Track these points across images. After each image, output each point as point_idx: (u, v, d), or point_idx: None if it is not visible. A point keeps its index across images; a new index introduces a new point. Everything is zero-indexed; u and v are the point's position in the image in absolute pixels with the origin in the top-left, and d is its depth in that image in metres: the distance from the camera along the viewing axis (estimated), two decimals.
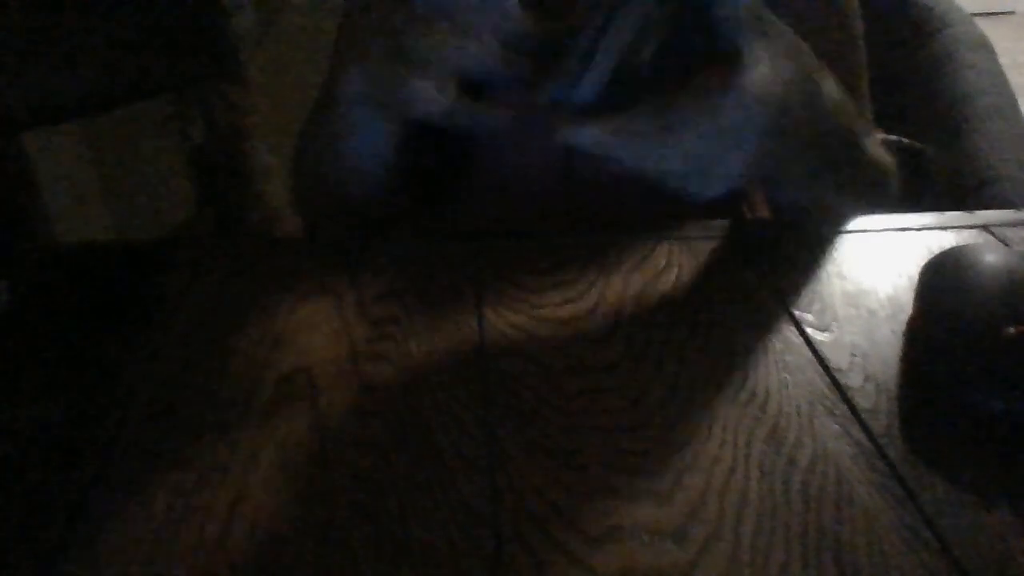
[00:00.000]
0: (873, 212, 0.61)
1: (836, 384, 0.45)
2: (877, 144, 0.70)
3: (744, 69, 0.50)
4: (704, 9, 0.50)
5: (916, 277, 0.50)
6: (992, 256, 0.48)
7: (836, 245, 0.58)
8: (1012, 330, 0.43)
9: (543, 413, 0.44)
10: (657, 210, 0.61)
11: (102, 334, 0.52)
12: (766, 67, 0.50)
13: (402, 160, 0.62)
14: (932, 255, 0.50)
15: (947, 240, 0.58)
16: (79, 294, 0.57)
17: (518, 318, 0.51)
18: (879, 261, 0.56)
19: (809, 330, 0.49)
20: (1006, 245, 0.57)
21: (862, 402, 0.44)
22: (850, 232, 0.60)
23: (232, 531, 0.38)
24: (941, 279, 0.48)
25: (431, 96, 0.51)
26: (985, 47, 0.95)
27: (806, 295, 0.53)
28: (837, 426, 0.42)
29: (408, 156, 0.62)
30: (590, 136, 0.49)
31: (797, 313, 0.51)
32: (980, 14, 1.11)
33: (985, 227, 0.60)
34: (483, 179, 0.71)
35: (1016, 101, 0.91)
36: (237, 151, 1.41)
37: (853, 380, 0.45)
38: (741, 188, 0.51)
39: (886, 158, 0.69)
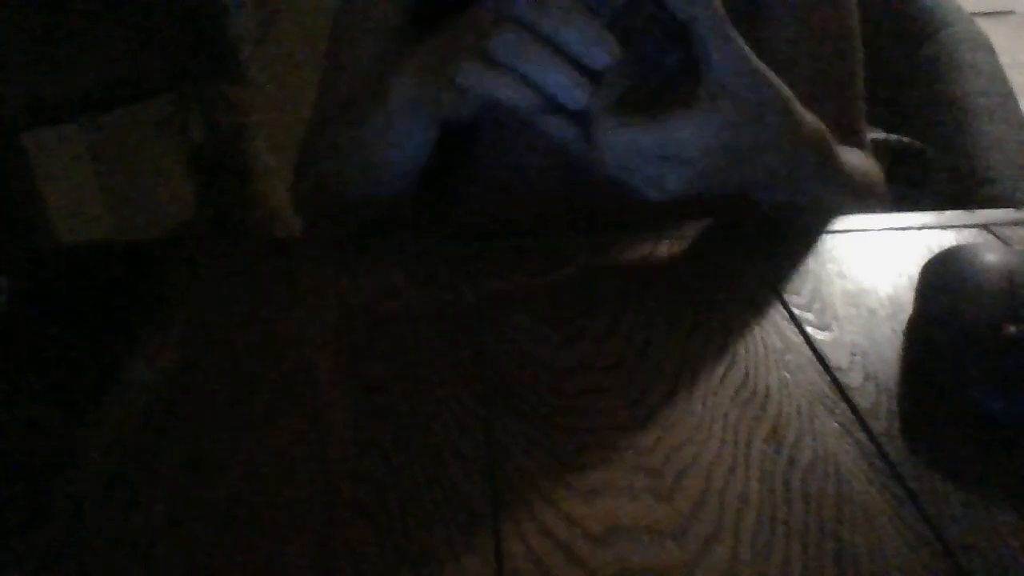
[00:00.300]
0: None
1: (836, 383, 0.45)
2: (860, 155, 0.70)
3: (703, 95, 0.51)
4: (678, 24, 0.50)
5: (916, 277, 0.50)
6: (992, 256, 0.48)
7: (836, 245, 0.58)
8: (1012, 330, 0.43)
9: (543, 413, 0.44)
10: (657, 210, 0.61)
11: (102, 334, 0.52)
12: (725, 94, 0.51)
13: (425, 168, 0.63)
14: (932, 255, 0.50)
15: (947, 240, 0.58)
16: (79, 294, 0.57)
17: (518, 318, 0.51)
18: (879, 261, 0.56)
19: (809, 329, 0.49)
20: (1006, 244, 0.57)
21: (862, 402, 0.44)
22: (850, 232, 0.60)
23: (232, 531, 0.38)
24: (941, 279, 0.48)
25: (470, 69, 0.51)
26: (985, 47, 0.95)
27: (806, 295, 0.53)
28: (837, 426, 0.42)
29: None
30: (556, 125, 0.51)
31: (797, 312, 0.51)
32: (980, 14, 1.11)
33: (985, 227, 0.60)
34: (484, 180, 0.71)
35: (1016, 101, 0.91)
36: (237, 151, 1.41)
37: (853, 379, 0.45)
38: (686, 197, 0.53)
39: (871, 169, 0.69)
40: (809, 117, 0.57)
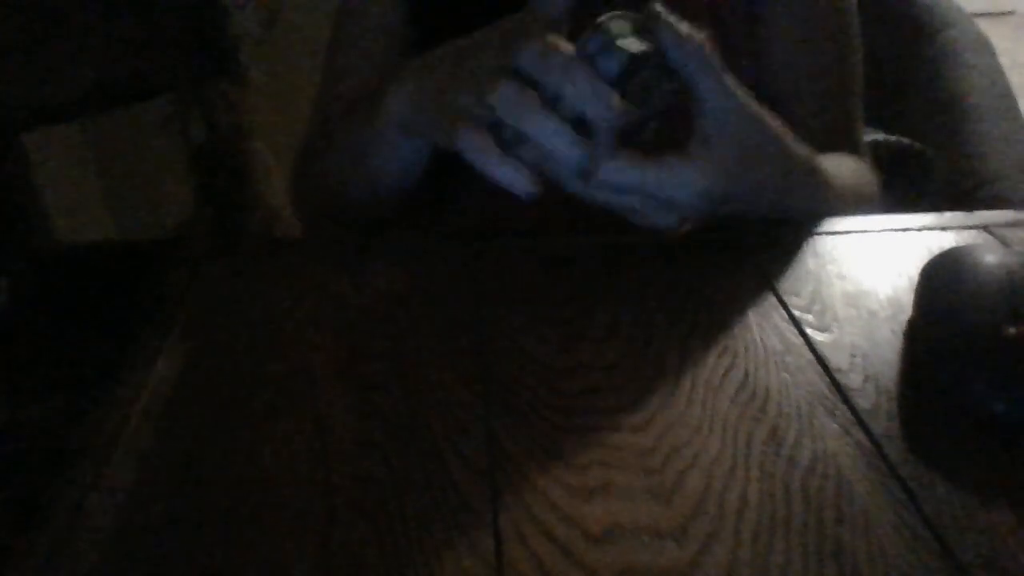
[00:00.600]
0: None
1: (836, 384, 0.45)
2: (854, 162, 0.70)
3: (696, 140, 0.51)
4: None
5: (916, 277, 0.50)
6: (992, 256, 0.48)
7: (836, 246, 0.58)
8: (1012, 330, 0.43)
9: (543, 413, 0.44)
10: None
11: (102, 334, 0.52)
12: (718, 139, 0.51)
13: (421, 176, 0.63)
14: (932, 255, 0.50)
15: (947, 240, 0.58)
16: (79, 294, 0.57)
17: (518, 318, 0.51)
18: (879, 261, 0.56)
19: (809, 330, 0.49)
20: (1006, 245, 0.57)
21: (862, 402, 0.44)
22: (850, 232, 0.60)
23: (232, 531, 0.38)
24: (941, 279, 0.48)
25: (471, 138, 0.51)
26: (985, 47, 0.95)
27: (806, 296, 0.53)
28: (837, 426, 0.42)
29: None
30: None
31: (797, 314, 0.51)
32: (980, 14, 1.11)
33: (985, 227, 0.60)
34: (484, 181, 0.71)
35: (1016, 101, 0.92)
36: (237, 151, 1.41)
37: (853, 380, 0.45)
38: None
39: (864, 178, 0.70)
40: (800, 150, 0.57)
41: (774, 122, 0.55)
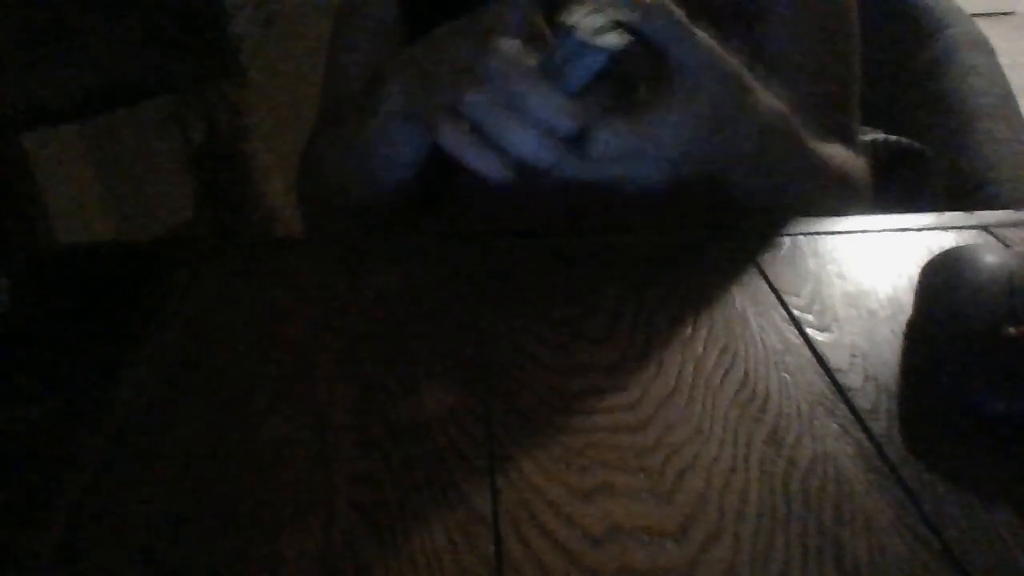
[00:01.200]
0: (841, 214, 0.62)
1: (836, 384, 0.45)
2: (843, 150, 0.70)
3: (677, 94, 0.51)
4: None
5: (916, 277, 0.50)
6: (992, 256, 0.48)
7: (836, 246, 0.58)
8: (1012, 330, 0.43)
9: (543, 413, 0.44)
10: (656, 211, 0.61)
11: (102, 334, 0.52)
12: (697, 90, 0.52)
13: (422, 166, 0.63)
14: (932, 255, 0.50)
15: (947, 240, 0.58)
16: (79, 294, 0.57)
17: (518, 318, 0.51)
18: (879, 261, 0.56)
19: (809, 330, 0.49)
20: (1006, 245, 0.57)
21: (862, 402, 0.44)
22: (850, 232, 0.60)
23: (232, 531, 0.38)
24: (941, 279, 0.49)
25: (459, 131, 0.52)
26: (985, 47, 0.95)
27: (806, 296, 0.53)
28: (837, 426, 0.42)
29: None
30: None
31: (797, 313, 0.51)
32: (980, 14, 1.11)
33: (985, 227, 0.60)
34: (483, 181, 0.71)
35: (1016, 101, 0.91)
36: (237, 151, 1.41)
37: (853, 380, 0.45)
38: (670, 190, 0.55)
39: (852, 163, 0.70)
40: (777, 106, 0.58)
41: (749, 79, 0.55)
